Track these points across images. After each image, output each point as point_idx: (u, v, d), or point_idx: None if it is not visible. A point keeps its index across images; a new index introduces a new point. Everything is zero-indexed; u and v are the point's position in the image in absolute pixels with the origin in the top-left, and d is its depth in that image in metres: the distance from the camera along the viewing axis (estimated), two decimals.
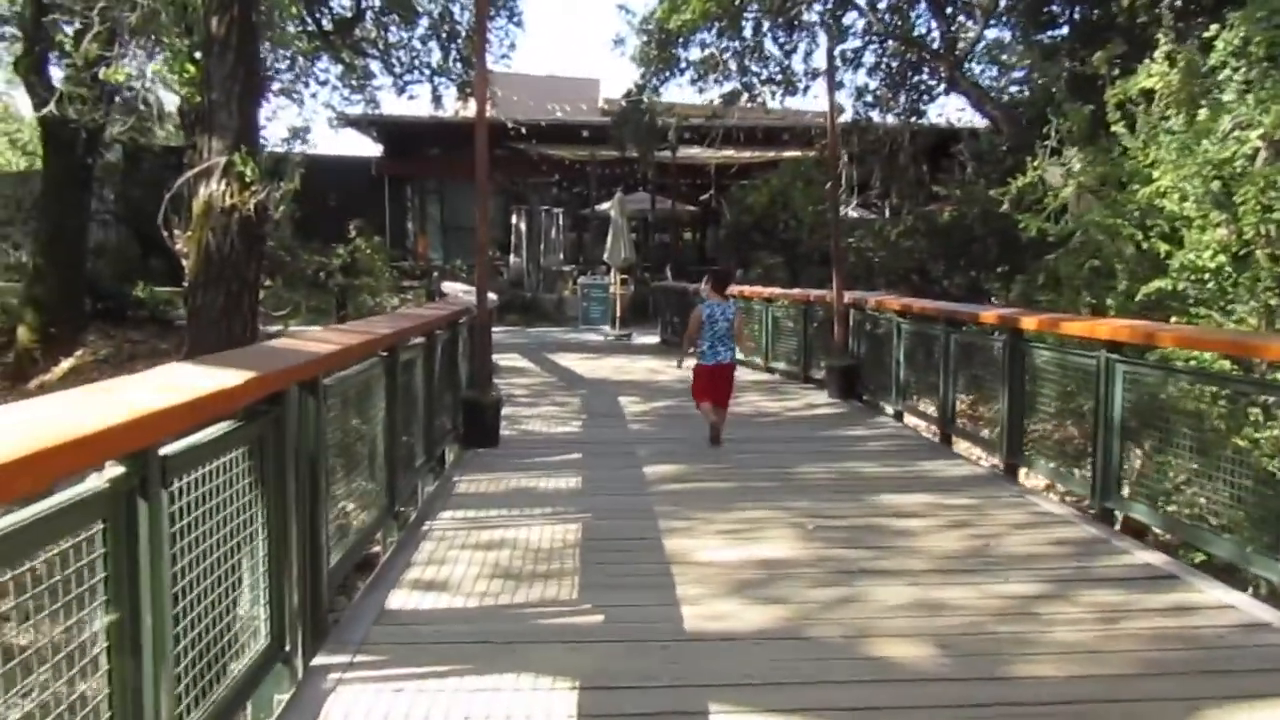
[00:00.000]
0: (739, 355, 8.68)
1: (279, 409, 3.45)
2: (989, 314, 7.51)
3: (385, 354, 5.29)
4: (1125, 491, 5.66)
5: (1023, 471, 7.11)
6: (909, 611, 4.22)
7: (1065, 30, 14.81)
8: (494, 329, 21.37)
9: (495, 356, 15.32)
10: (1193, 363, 6.66)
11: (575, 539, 5.31)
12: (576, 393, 11.42)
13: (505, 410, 9.76)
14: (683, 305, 17.24)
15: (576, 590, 4.50)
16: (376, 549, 5.25)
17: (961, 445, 8.30)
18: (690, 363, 8.58)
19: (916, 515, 5.84)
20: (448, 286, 13.85)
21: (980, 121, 21.98)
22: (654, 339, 18.87)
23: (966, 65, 14.11)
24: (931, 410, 8.69)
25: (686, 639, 3.92)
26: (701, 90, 17.45)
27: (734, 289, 14.80)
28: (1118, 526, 5.71)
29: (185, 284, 10.06)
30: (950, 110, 19.58)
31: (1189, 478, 5.36)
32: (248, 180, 7.26)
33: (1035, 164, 10.51)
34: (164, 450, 2.53)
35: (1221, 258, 7.91)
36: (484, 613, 4.22)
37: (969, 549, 5.17)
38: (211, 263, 6.68)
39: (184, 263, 8.29)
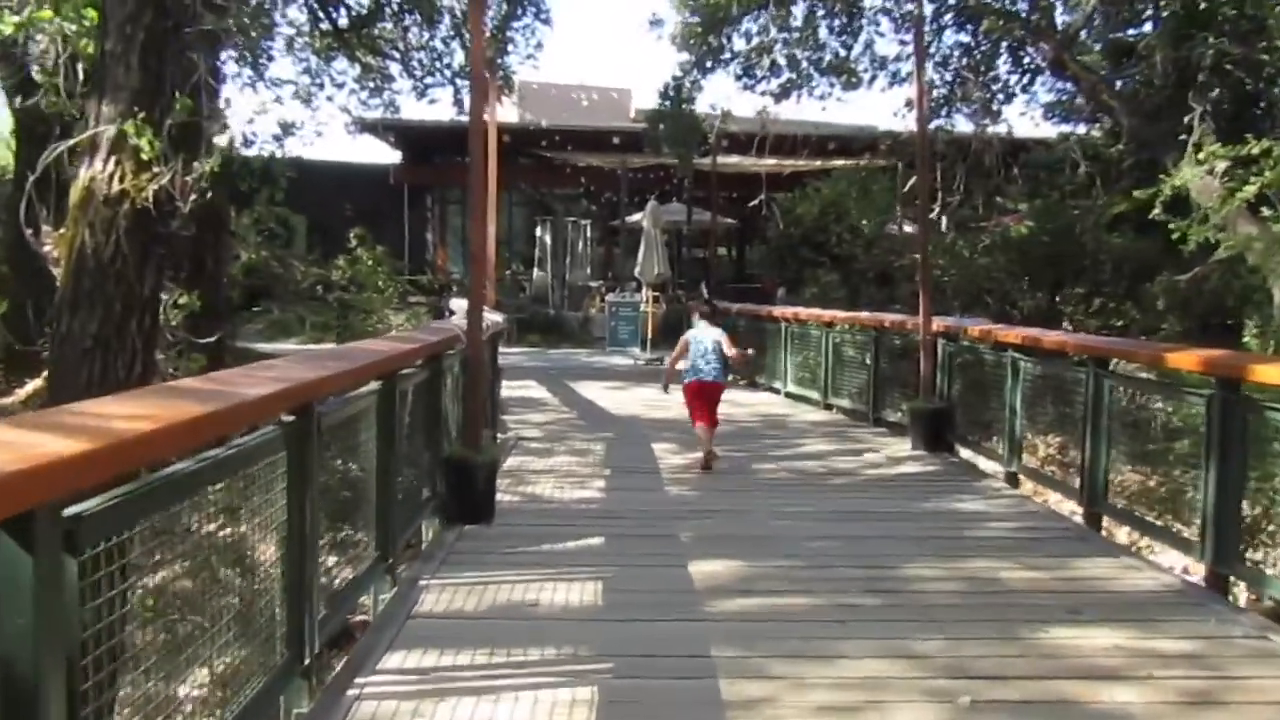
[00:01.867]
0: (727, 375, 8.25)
1: None
2: (1182, 356, 5.37)
3: (291, 419, 3.31)
4: None
5: (1238, 585, 4.99)
6: None
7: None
8: (512, 350, 19.40)
9: (509, 384, 13.39)
10: None
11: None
12: (600, 436, 9.39)
13: (512, 461, 7.80)
14: (725, 327, 15.18)
15: None
16: None
17: (1119, 531, 6.19)
18: (676, 388, 8.41)
19: (1118, 675, 3.75)
20: (459, 305, 11.94)
21: (1050, 133, 19.90)
22: None
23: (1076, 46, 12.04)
24: (1067, 478, 6.57)
25: None
26: (748, 86, 15.47)
27: (786, 311, 12.77)
28: None
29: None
30: (1026, 110, 17.40)
31: None
32: (145, 158, 5.35)
33: (1177, 168, 8.42)
34: None
35: None
36: None
37: None
38: (86, 272, 4.85)
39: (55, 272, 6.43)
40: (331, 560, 3.85)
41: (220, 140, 13.50)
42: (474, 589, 4.66)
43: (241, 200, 15.24)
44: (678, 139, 14.75)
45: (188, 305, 7.09)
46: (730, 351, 7.99)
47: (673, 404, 11.87)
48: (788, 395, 12.56)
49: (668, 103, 14.65)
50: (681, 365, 8.28)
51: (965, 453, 8.50)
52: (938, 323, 8.82)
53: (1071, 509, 6.55)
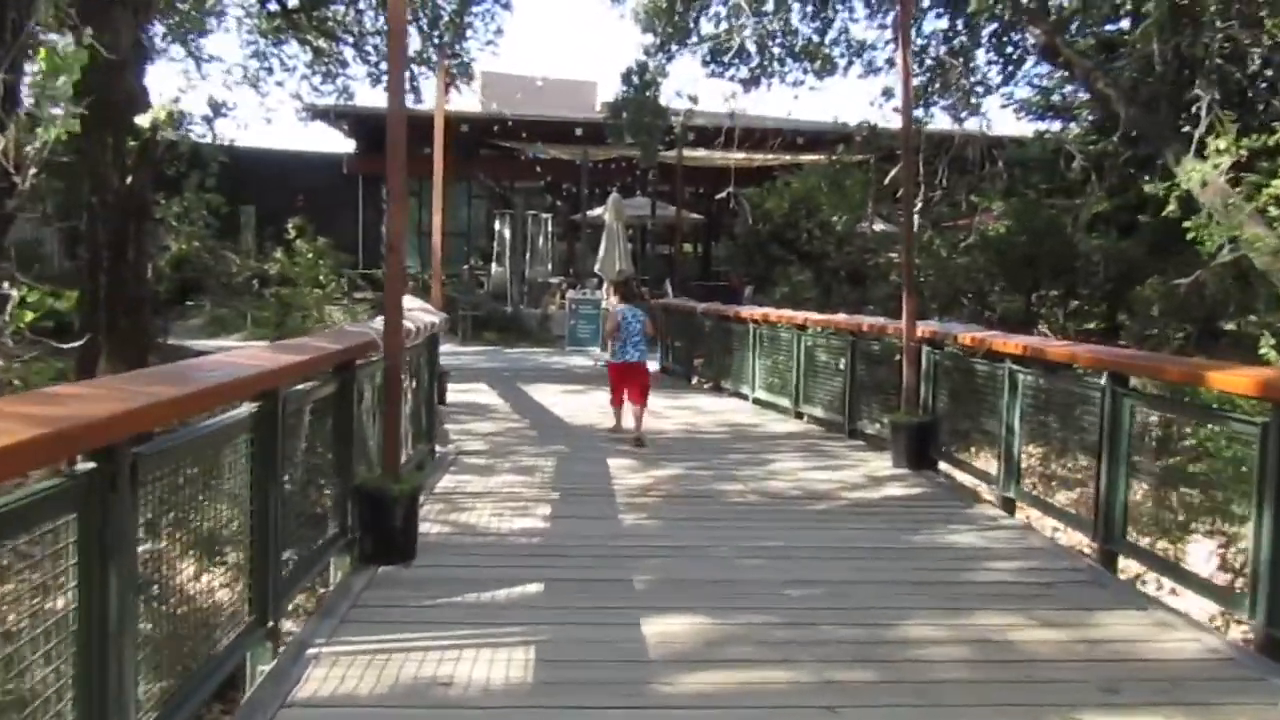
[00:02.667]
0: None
1: None
2: (1229, 376, 4.56)
3: (90, 466, 2.38)
4: None
5: None
6: None
7: None
8: (466, 350, 18.39)
9: (457, 389, 12.43)
10: None
11: None
12: (551, 449, 8.48)
13: (447, 481, 6.90)
14: (689, 327, 14.38)
15: None
16: None
17: (1139, 573, 5.40)
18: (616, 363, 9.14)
19: None
20: (407, 302, 10.97)
21: (1025, 130, 19.26)
22: (653, 365, 15.95)
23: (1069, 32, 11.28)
24: (1076, 509, 5.78)
25: None
26: (715, 73, 14.61)
27: (754, 312, 11.95)
28: None
29: None
30: (1007, 104, 16.63)
31: None
32: None
33: (1179, 162, 7.68)
34: None
35: None
36: None
37: None
38: None
39: None
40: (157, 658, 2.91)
41: (142, 120, 12.46)
42: (375, 659, 3.75)
43: (170, 186, 14.14)
44: (641, 127, 13.88)
45: (39, 304, 6.08)
46: (650, 331, 9.06)
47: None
48: (756, 402, 11.74)
49: (630, 89, 13.77)
50: (612, 344, 9.21)
51: (952, 472, 7.72)
52: (923, 328, 8.02)
53: (1080, 542, 5.76)
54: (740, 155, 24.31)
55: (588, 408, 11.10)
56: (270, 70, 21.69)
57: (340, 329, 5.58)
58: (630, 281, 11.30)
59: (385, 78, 23.30)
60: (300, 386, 4.31)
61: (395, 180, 5.14)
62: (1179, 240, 10.53)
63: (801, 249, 16.30)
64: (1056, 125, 19.72)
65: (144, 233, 12.81)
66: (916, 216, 18.44)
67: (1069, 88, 19.21)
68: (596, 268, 17.20)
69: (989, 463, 7.12)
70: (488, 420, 10.12)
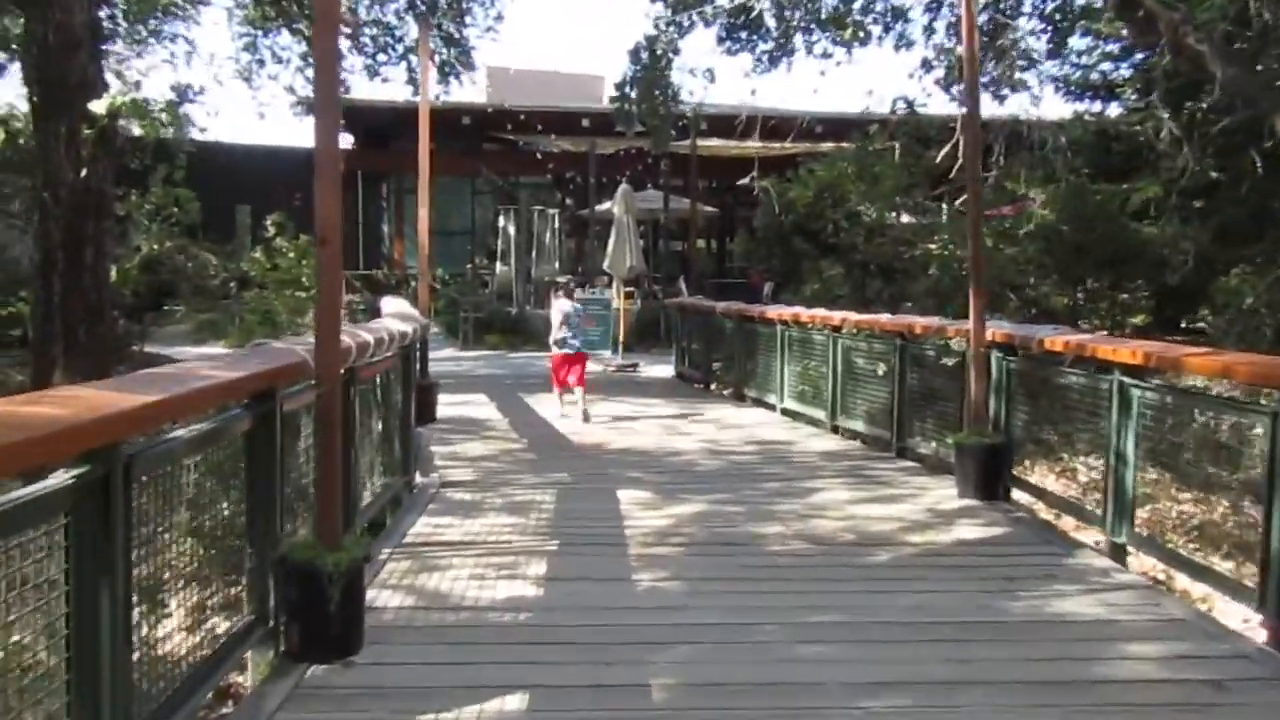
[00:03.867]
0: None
1: None
2: None
3: None
4: None
5: None
6: None
7: None
8: (467, 355, 17.14)
9: (451, 401, 11.14)
10: None
11: None
12: (551, 479, 7.19)
13: (421, 525, 5.67)
14: (707, 329, 13.08)
15: None
16: None
17: None
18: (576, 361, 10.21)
19: None
20: (390, 305, 9.76)
21: (1064, 111, 17.87)
22: (667, 370, 14.70)
23: None
24: (1236, 572, 4.44)
25: None
26: (732, 51, 13.29)
27: (783, 311, 10.66)
28: None
29: None
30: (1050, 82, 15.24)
31: None
32: None
33: None
34: None
35: None
36: None
37: None
38: None
39: None
40: None
41: (97, 106, 11.21)
42: None
43: (137, 180, 12.94)
44: (652, 110, 12.58)
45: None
46: (589, 325, 10.91)
47: (646, 424, 9.75)
48: (784, 413, 10.45)
49: (639, 67, 12.48)
50: (556, 337, 10.32)
51: (1032, 504, 6.42)
52: (993, 330, 6.71)
53: (1238, 614, 4.44)
54: (758, 144, 23.06)
55: (596, 424, 9.82)
56: (262, 63, 20.56)
57: (267, 346, 4.31)
58: (569, 283, 12.43)
59: (381, 69, 21.95)
60: (178, 433, 3.05)
61: (327, 151, 3.85)
62: (1264, 223, 9.21)
63: (827, 242, 14.98)
64: (1097, 105, 18.42)
65: (103, 231, 11.58)
66: (946, 205, 17.17)
67: (1108, 64, 17.90)
68: (605, 265, 15.91)
69: (1085, 496, 5.82)
70: (481, 439, 8.84)
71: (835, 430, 9.34)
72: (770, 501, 6.50)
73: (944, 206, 16.36)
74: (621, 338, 16.00)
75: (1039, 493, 6.41)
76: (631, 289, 20.17)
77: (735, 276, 29.27)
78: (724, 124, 22.62)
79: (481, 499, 6.47)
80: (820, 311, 9.83)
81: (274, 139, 40.04)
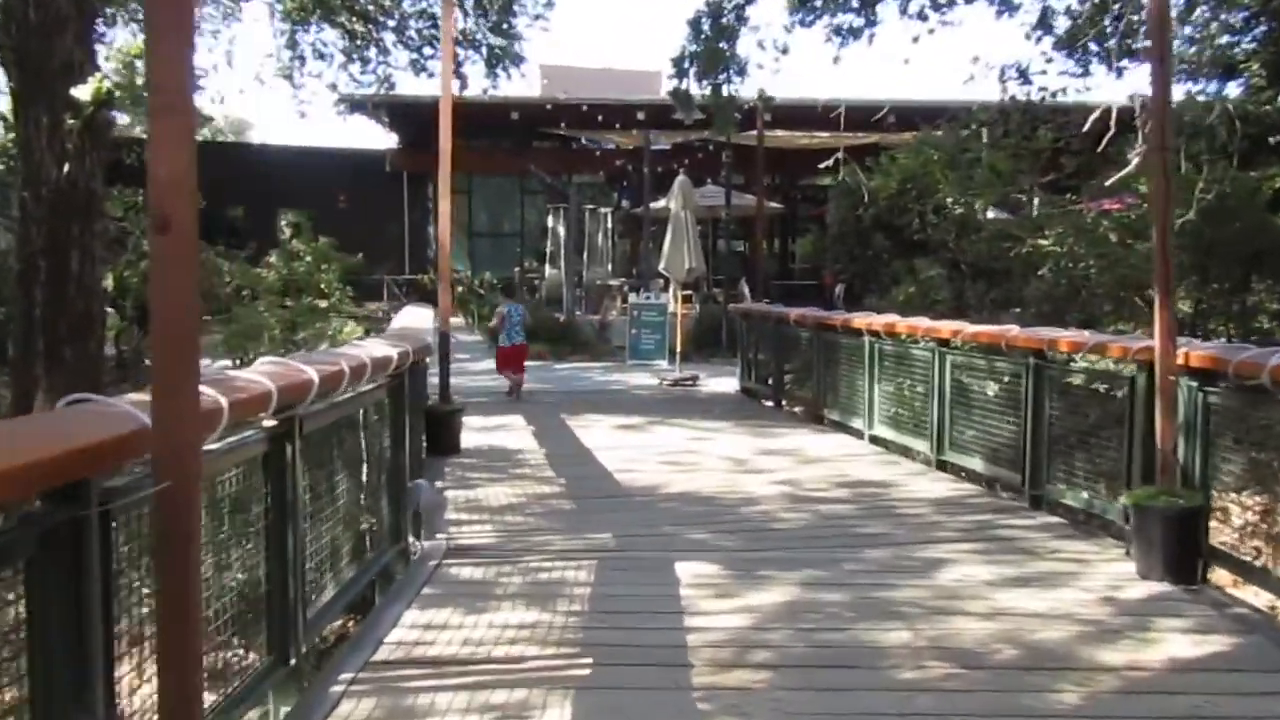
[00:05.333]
0: None
1: None
2: None
3: None
4: None
5: None
6: None
7: None
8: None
9: (482, 424, 9.57)
10: None
11: None
12: (590, 543, 5.57)
13: (409, 622, 4.11)
14: (778, 338, 11.38)
15: None
16: None
17: None
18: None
19: None
20: (402, 319, 8.28)
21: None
22: (731, 384, 13.02)
23: None
24: None
25: None
26: (806, 21, 11.55)
27: (873, 320, 8.93)
28: None
29: None
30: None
31: None
32: None
33: None
34: None
35: None
36: None
37: None
38: None
39: None
40: None
41: (81, 92, 9.90)
42: None
43: (132, 177, 11.65)
44: (715, 89, 10.89)
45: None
46: (528, 322, 12.75)
47: (710, 458, 8.06)
48: (874, 441, 8.73)
49: (700, 39, 10.81)
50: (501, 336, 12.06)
51: (1251, 594, 4.64)
52: (1189, 351, 4.93)
53: None
54: (828, 135, 21.23)
55: (648, 456, 8.20)
56: (303, 59, 19.39)
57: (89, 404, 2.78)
58: (510, 283, 13.83)
59: (428, 63, 20.65)
60: None
61: (171, 75, 2.27)
62: None
63: (912, 238, 13.16)
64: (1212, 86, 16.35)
65: (92, 235, 10.23)
66: (1037, 198, 15.19)
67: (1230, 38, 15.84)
68: (661, 266, 14.29)
69: None
70: (509, 481, 7.27)
71: (942, 467, 7.61)
72: (882, 582, 4.80)
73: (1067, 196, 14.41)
74: (679, 347, 14.37)
75: (1257, 575, 4.63)
76: (690, 292, 18.55)
77: (800, 278, 27.50)
78: (791, 113, 20.94)
79: (495, 578, 4.87)
80: (922, 321, 8.07)
81: (319, 140, 39.20)
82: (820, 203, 24.69)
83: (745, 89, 11.88)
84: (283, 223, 12.17)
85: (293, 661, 3.47)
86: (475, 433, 9.12)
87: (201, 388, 2.72)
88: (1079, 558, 5.26)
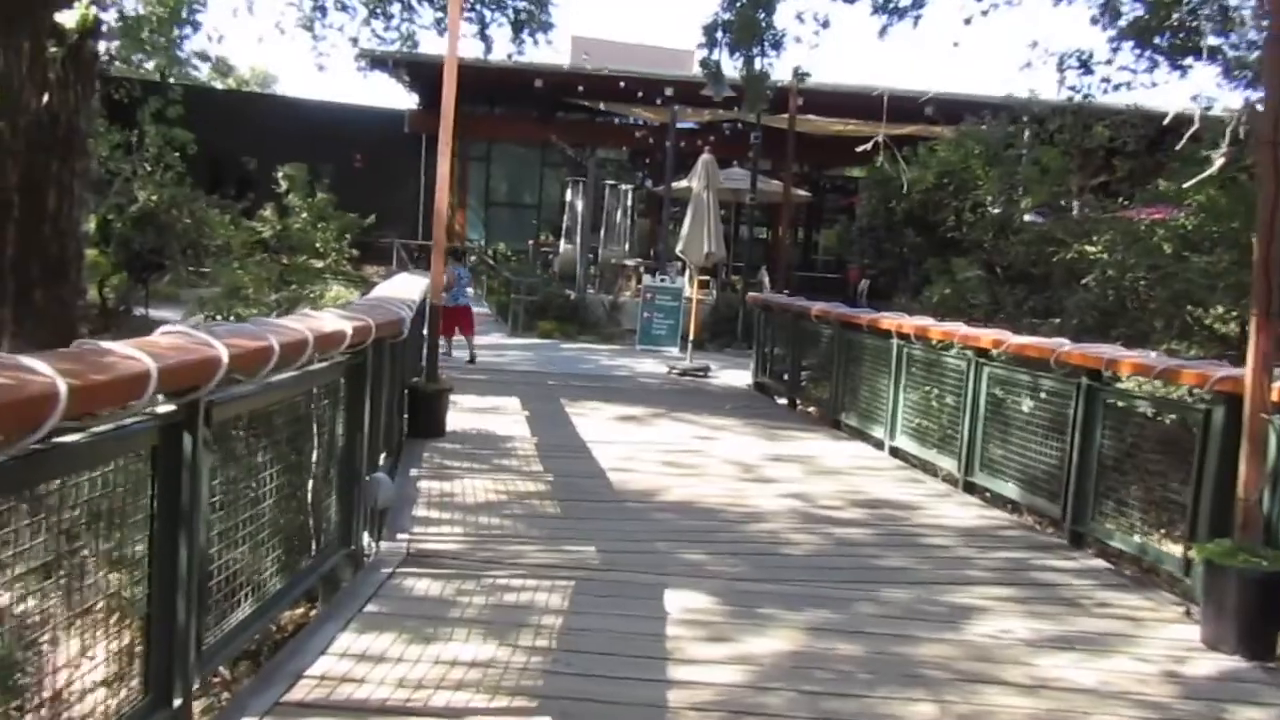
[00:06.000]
0: None
1: None
2: None
3: None
4: None
5: None
6: None
7: None
8: (513, 343, 14.91)
9: (474, 404, 8.91)
10: None
11: None
12: (570, 554, 4.89)
13: (344, 646, 3.39)
14: (798, 333, 10.64)
15: None
16: None
17: None
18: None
19: None
20: (393, 285, 7.60)
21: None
22: (744, 377, 12.31)
23: None
24: None
25: None
26: None
27: (903, 322, 8.20)
28: None
29: None
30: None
31: None
32: None
33: None
34: None
35: None
36: None
37: None
38: None
39: None
40: None
41: (65, 18, 9.23)
42: None
43: (123, 117, 10.96)
44: (748, 61, 10.08)
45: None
46: (471, 286, 14.23)
47: (716, 460, 7.34)
48: (894, 452, 8.03)
49: (734, 8, 9.98)
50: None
51: None
52: None
53: None
54: (862, 123, 20.34)
55: (649, 454, 7.51)
56: (324, 10, 18.64)
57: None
58: (457, 248, 15.34)
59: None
60: None
61: None
62: None
63: (946, 235, 12.37)
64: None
65: (72, 174, 9.61)
66: (1078, 200, 14.32)
67: None
68: (679, 248, 13.55)
69: None
70: (491, 473, 6.59)
71: (969, 488, 6.89)
72: (903, 633, 4.10)
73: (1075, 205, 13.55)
74: (692, 333, 13.64)
75: None
76: (707, 278, 17.82)
77: (823, 270, 26.65)
78: (824, 100, 20.08)
79: (454, 596, 4.19)
80: (959, 327, 7.32)
81: (338, 95, 38.49)
82: (850, 193, 23.85)
83: (779, 68, 11.11)
84: (279, 174, 11.43)
85: (176, 702, 2.79)
86: (465, 414, 8.45)
87: (41, 365, 2.04)
88: (1131, 614, 4.54)
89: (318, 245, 10.61)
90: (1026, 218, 13.51)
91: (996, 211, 12.60)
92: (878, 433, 8.41)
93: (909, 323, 7.98)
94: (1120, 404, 5.60)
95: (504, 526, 5.35)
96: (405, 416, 7.37)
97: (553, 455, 7.27)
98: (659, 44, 33.28)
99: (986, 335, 6.81)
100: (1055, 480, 5.95)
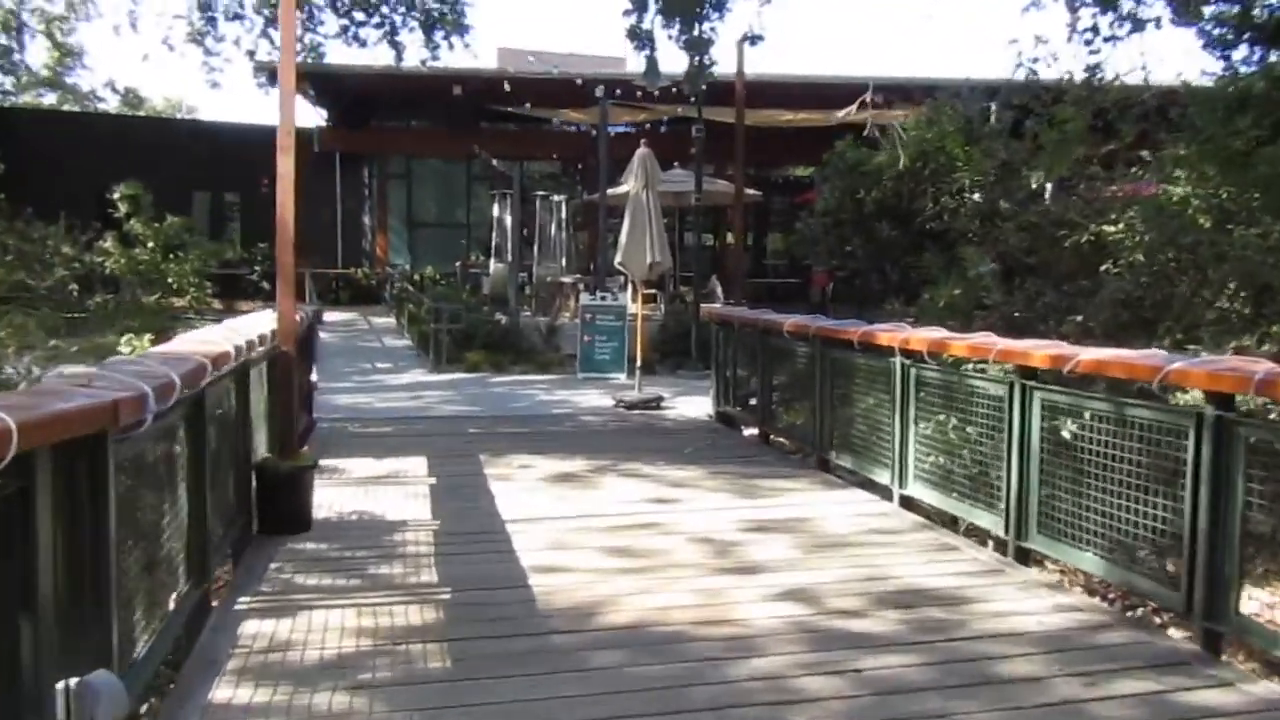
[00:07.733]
0: None
1: None
2: None
3: None
4: None
5: None
6: None
7: None
8: (437, 380, 12.58)
9: (373, 473, 6.88)
10: None
11: None
12: None
13: None
14: (767, 352, 8.76)
15: None
16: None
17: None
18: None
19: None
20: (218, 330, 5.61)
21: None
22: (702, 406, 10.42)
23: None
24: None
25: None
26: None
27: (910, 337, 6.36)
28: None
29: None
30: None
31: None
32: None
33: None
34: None
35: None
36: None
37: None
38: None
39: None
40: None
41: None
42: None
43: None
44: (688, 23, 8.25)
45: None
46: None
47: (679, 554, 5.34)
48: (906, 503, 6.19)
49: None
50: None
51: None
52: None
53: None
54: (807, 114, 18.69)
55: (589, 537, 5.55)
56: (214, 21, 16.49)
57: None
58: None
59: (359, 30, 17.79)
60: None
61: None
62: None
63: (925, 227, 10.63)
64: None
65: None
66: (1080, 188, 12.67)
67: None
68: (618, 260, 11.64)
69: None
70: (360, 595, 4.57)
71: (1024, 559, 5.07)
72: None
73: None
74: (639, 356, 11.71)
75: None
76: (653, 291, 15.95)
77: (776, 276, 24.94)
78: (774, 91, 18.36)
79: None
80: (992, 340, 5.48)
81: (241, 116, 36.07)
82: (801, 189, 22.17)
83: (725, 36, 9.25)
84: (116, 195, 9.31)
85: None
86: (350, 489, 6.45)
87: None
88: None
89: (170, 280, 8.52)
90: (1047, 191, 11.77)
91: (976, 198, 10.88)
92: (882, 477, 6.56)
93: (916, 336, 6.14)
94: (1268, 442, 3.80)
95: (353, 710, 3.35)
96: (251, 509, 5.36)
97: (456, 552, 5.27)
98: (591, 52, 31.47)
99: (1039, 349, 4.97)
100: (1168, 553, 4.14)
